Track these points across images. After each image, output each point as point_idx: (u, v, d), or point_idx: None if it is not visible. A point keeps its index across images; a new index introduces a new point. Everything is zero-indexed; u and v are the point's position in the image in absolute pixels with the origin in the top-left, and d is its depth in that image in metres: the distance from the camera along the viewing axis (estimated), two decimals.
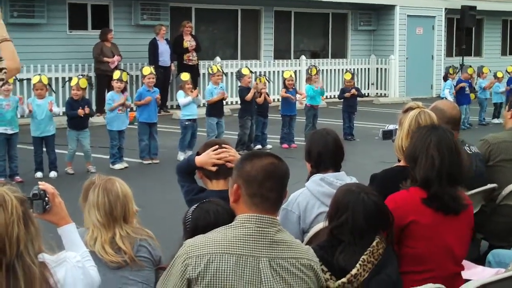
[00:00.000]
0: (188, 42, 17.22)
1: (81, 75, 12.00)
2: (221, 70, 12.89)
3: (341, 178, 4.27)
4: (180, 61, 17.28)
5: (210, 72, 12.85)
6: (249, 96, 12.55)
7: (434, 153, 3.71)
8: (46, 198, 3.05)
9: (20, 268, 2.57)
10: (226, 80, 15.06)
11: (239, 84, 13.40)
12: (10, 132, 9.95)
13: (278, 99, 14.82)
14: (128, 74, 12.18)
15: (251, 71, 13.11)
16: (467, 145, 5.18)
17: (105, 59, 15.86)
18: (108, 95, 11.69)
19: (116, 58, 15.96)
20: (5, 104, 9.91)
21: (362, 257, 3.38)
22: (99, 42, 16.06)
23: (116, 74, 11.37)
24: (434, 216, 3.67)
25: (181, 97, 11.93)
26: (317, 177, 4.29)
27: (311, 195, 4.24)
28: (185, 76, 12.14)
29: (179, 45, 17.19)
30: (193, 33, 17.68)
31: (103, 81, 15.77)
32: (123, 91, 11.32)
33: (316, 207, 4.20)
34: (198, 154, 4.14)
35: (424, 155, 3.73)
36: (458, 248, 3.76)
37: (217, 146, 4.10)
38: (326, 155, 4.35)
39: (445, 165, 3.70)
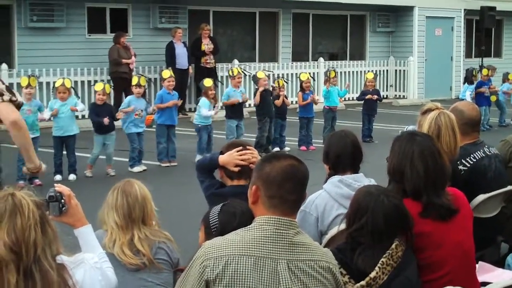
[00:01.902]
0: (206, 45, 17.23)
1: (101, 80, 12.04)
2: (241, 73, 12.84)
3: (359, 180, 4.25)
4: (197, 63, 17.31)
5: (230, 74, 12.81)
6: (279, 102, 12.67)
7: (419, 164, 3.72)
8: (62, 200, 3.06)
9: (37, 272, 2.58)
10: (244, 82, 15.02)
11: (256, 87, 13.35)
12: (31, 136, 9.97)
13: (296, 101, 14.79)
14: (146, 78, 12.16)
15: (267, 75, 13.10)
16: (486, 146, 5.13)
17: (124, 61, 15.92)
18: (127, 98, 11.70)
19: (133, 58, 16.06)
20: (27, 109, 9.91)
21: (381, 259, 3.36)
22: (114, 45, 16.12)
23: (134, 80, 11.36)
24: (434, 224, 3.67)
25: (205, 107, 11.74)
26: (335, 178, 4.27)
27: (329, 197, 4.22)
28: (208, 82, 11.99)
29: (197, 48, 17.21)
30: (211, 35, 17.70)
31: (120, 84, 15.83)
32: (143, 95, 11.33)
33: (335, 209, 4.18)
34: (221, 153, 4.13)
35: (409, 167, 3.73)
36: (466, 242, 3.76)
37: (241, 148, 4.09)
38: (344, 157, 4.33)
39: (430, 175, 3.71)
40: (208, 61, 17.32)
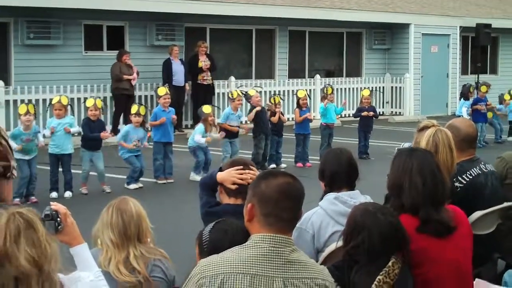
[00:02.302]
0: (203, 62, 17.28)
1: (98, 97, 12.01)
2: (241, 94, 12.82)
3: (355, 197, 4.25)
4: (194, 81, 17.33)
5: (230, 97, 12.82)
6: (275, 119, 12.69)
7: (417, 179, 3.72)
8: (58, 219, 3.05)
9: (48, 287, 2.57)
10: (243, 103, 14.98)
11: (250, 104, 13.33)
12: (27, 158, 9.97)
13: (292, 118, 14.81)
14: (146, 107, 12.07)
15: (258, 91, 13.14)
16: (482, 163, 5.12)
17: (125, 76, 15.96)
18: (125, 128, 11.59)
19: (135, 75, 16.09)
20: (25, 138, 9.92)
21: (378, 277, 3.35)
22: (116, 62, 16.16)
23: (134, 109, 11.28)
24: (430, 240, 3.66)
25: (199, 133, 11.66)
26: (331, 196, 4.26)
27: (325, 214, 4.21)
28: (207, 109, 11.93)
29: (194, 65, 17.25)
30: (208, 52, 17.74)
31: (121, 100, 15.86)
32: (142, 124, 11.24)
33: (330, 226, 4.17)
34: (221, 170, 4.12)
35: (408, 181, 3.73)
36: (462, 261, 3.75)
37: (241, 166, 4.06)
38: (339, 174, 4.34)
39: (428, 190, 3.71)
40: (205, 78, 17.36)
